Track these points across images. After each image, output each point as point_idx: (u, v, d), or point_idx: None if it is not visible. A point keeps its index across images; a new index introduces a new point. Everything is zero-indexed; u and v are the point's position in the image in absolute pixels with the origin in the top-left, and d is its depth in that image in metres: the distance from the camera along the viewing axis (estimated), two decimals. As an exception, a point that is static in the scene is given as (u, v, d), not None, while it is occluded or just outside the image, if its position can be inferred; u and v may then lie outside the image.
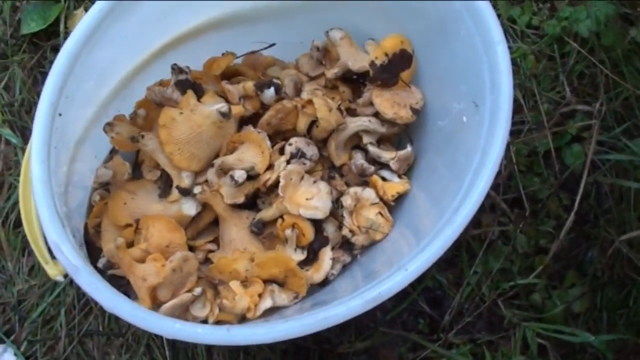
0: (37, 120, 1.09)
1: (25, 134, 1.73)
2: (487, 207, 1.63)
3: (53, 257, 1.06)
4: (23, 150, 1.68)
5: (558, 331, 1.57)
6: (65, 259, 0.99)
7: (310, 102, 1.35)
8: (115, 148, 1.41)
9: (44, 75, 1.78)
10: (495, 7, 1.80)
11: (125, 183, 1.37)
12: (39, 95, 1.65)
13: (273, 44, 1.51)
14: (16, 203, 1.64)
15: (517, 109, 1.72)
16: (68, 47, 1.12)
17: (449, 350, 1.56)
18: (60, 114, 1.11)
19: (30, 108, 1.75)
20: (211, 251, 1.37)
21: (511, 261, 1.63)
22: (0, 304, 1.60)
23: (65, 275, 1.05)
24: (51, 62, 1.72)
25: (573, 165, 1.69)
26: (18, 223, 1.64)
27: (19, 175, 1.62)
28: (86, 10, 1.79)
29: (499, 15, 1.73)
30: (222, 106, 1.29)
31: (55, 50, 1.80)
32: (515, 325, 1.58)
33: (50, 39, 1.82)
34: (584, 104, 1.75)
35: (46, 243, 1.08)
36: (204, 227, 1.40)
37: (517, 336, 1.57)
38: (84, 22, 1.14)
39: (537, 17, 1.87)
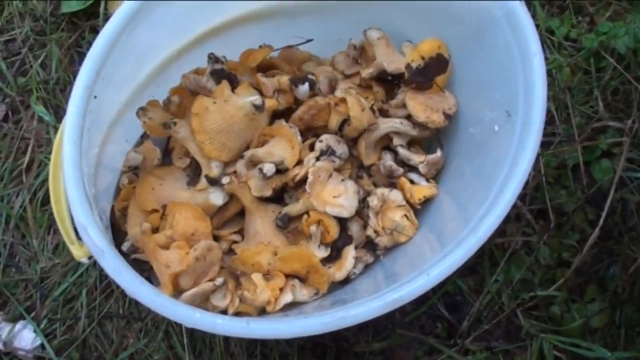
0: (72, 101, 1.09)
1: (58, 113, 1.74)
2: (513, 216, 1.63)
3: (79, 238, 1.06)
4: (55, 129, 1.69)
5: (575, 345, 1.56)
6: (91, 241, 1.00)
7: (343, 100, 1.34)
8: (147, 133, 1.41)
9: (81, 55, 1.80)
10: (534, 17, 1.81)
11: (154, 168, 1.37)
12: (74, 75, 1.69)
13: (310, 40, 1.51)
14: (45, 180, 1.65)
15: (549, 120, 1.71)
16: (108, 29, 1.12)
17: (465, 357, 1.56)
18: (95, 97, 1.11)
19: (65, 87, 1.76)
20: (235, 242, 1.38)
21: (533, 272, 1.62)
22: (23, 280, 1.61)
23: (90, 257, 1.05)
24: (89, 43, 1.75)
25: (601, 180, 1.68)
26: (46, 201, 1.65)
27: (49, 153, 1.65)
28: None
29: (537, 26, 1.74)
30: (256, 99, 1.29)
31: (94, 31, 1.81)
32: (533, 336, 1.58)
33: (89, 19, 1.82)
34: (617, 120, 1.74)
35: (73, 224, 1.08)
36: (230, 218, 1.40)
37: (533, 347, 1.57)
38: (127, 4, 1.14)
39: (576, 30, 1.86)
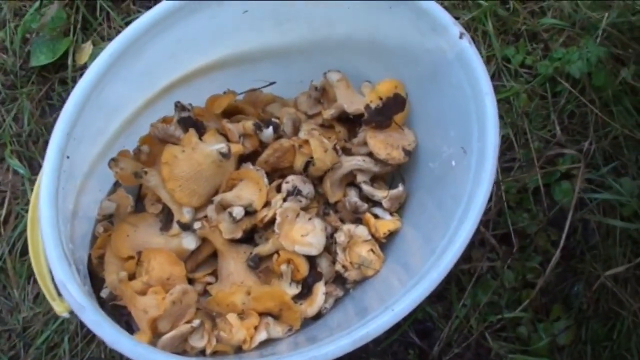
0: (46, 164, 1.12)
1: (32, 165, 1.77)
2: (477, 242, 1.67)
3: (59, 293, 1.10)
4: (30, 181, 1.73)
5: None
6: (71, 298, 1.04)
7: (307, 142, 1.40)
8: (118, 182, 1.45)
9: (52, 107, 1.85)
10: (489, 47, 1.87)
11: (128, 216, 1.41)
12: (46, 127, 1.74)
13: (273, 82, 1.56)
14: (23, 232, 1.68)
15: (508, 146, 1.76)
16: (77, 91, 1.17)
17: None
18: (68, 157, 1.15)
19: (37, 139, 1.79)
20: (209, 283, 1.42)
21: (499, 295, 1.67)
22: (6, 331, 1.63)
23: (71, 312, 1.09)
24: (59, 95, 1.80)
25: (562, 202, 1.73)
26: (24, 251, 1.68)
27: (25, 204, 1.69)
28: (94, 44, 1.85)
29: (493, 55, 1.80)
30: (222, 147, 1.34)
31: (64, 82, 1.85)
32: (502, 357, 1.62)
33: (58, 71, 1.86)
34: (574, 142, 1.80)
35: (52, 280, 1.13)
36: (203, 260, 1.44)
37: None
38: (93, 69, 1.18)
39: (531, 57, 1.92)
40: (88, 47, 1.86)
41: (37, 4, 1.88)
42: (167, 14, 1.25)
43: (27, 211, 1.63)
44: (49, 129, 1.79)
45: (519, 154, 1.76)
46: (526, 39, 1.95)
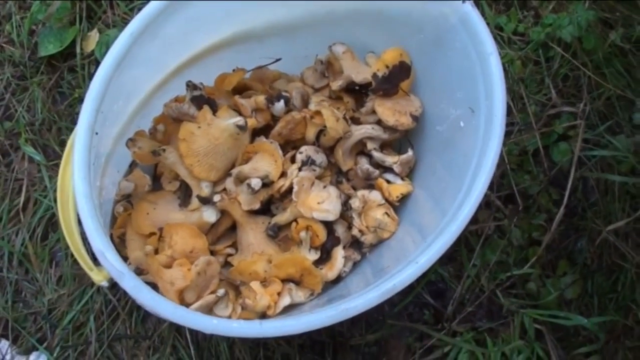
0: (78, 139, 1.16)
1: (47, 152, 1.80)
2: (483, 204, 1.70)
3: (96, 263, 1.14)
4: (46, 167, 1.76)
5: (553, 316, 1.65)
6: (111, 265, 1.07)
7: (318, 112, 1.44)
8: (135, 162, 1.48)
9: (62, 95, 1.88)
10: (483, 16, 1.89)
11: (146, 194, 1.45)
12: (58, 115, 1.77)
13: (279, 59, 1.59)
14: (42, 217, 1.71)
15: (507, 111, 1.81)
16: (102, 71, 1.20)
17: (453, 338, 1.64)
18: (96, 133, 1.19)
19: (50, 127, 1.82)
20: (230, 255, 1.46)
21: (507, 253, 1.71)
22: (31, 314, 1.67)
23: (109, 280, 1.13)
24: (69, 83, 1.82)
25: (561, 162, 1.78)
26: (45, 236, 1.71)
27: (43, 190, 1.72)
28: (100, 32, 1.88)
29: (487, 24, 1.84)
30: (239, 120, 1.38)
31: (72, 70, 1.88)
32: (514, 313, 1.66)
33: (66, 60, 1.89)
34: (569, 105, 1.84)
35: (88, 251, 1.17)
36: (223, 233, 1.48)
37: (515, 323, 1.65)
38: (115, 47, 1.21)
39: (523, 25, 1.96)
40: (94, 35, 1.88)
41: None
42: None
43: (45, 197, 1.70)
44: (62, 116, 1.82)
45: (518, 118, 1.80)
46: (517, 7, 1.99)
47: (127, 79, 1.28)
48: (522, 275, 1.70)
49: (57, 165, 1.77)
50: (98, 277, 1.13)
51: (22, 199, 1.75)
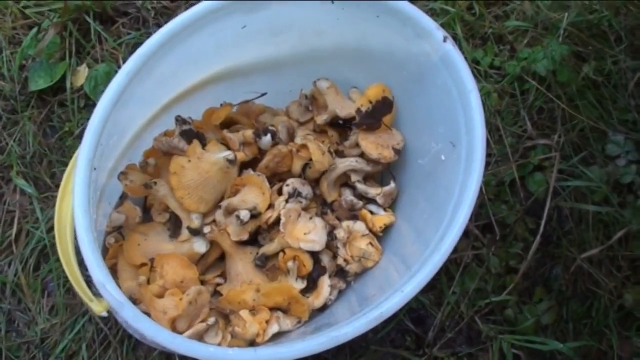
0: (78, 174, 1.19)
1: (38, 184, 1.83)
2: (462, 233, 1.77)
3: (95, 294, 1.17)
4: (37, 199, 1.79)
5: (530, 341, 1.68)
6: (111, 296, 1.11)
7: (304, 146, 1.49)
8: (126, 194, 1.51)
9: (53, 128, 1.91)
10: (460, 49, 1.97)
11: (137, 226, 1.48)
12: (49, 148, 1.79)
13: (264, 93, 1.63)
14: (34, 249, 1.73)
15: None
16: (101, 109, 1.24)
17: None
18: (95, 168, 1.24)
19: (41, 160, 1.84)
20: (219, 284, 1.49)
21: (485, 281, 1.75)
22: (25, 343, 1.68)
23: (109, 311, 1.17)
24: (59, 117, 1.85)
25: (536, 192, 1.83)
26: (37, 267, 1.73)
27: (34, 222, 1.75)
28: (89, 66, 1.92)
29: (464, 58, 1.90)
30: (229, 154, 1.43)
31: (62, 105, 1.91)
32: (492, 338, 1.70)
33: (56, 94, 1.92)
34: (544, 137, 1.90)
35: (86, 282, 1.20)
36: (212, 263, 1.52)
37: (494, 348, 1.69)
38: (112, 86, 1.25)
39: (499, 59, 2.02)
40: (83, 69, 1.92)
41: (34, 30, 1.94)
42: (173, 33, 1.32)
43: (37, 228, 1.72)
44: (52, 149, 1.85)
45: (495, 149, 1.86)
46: (493, 42, 2.06)
47: (122, 116, 1.32)
48: (500, 302, 1.74)
49: (49, 198, 1.81)
50: (98, 308, 1.15)
51: (14, 230, 1.77)
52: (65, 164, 1.81)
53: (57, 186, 1.72)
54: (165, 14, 2.04)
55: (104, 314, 1.16)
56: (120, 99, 1.28)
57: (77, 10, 1.95)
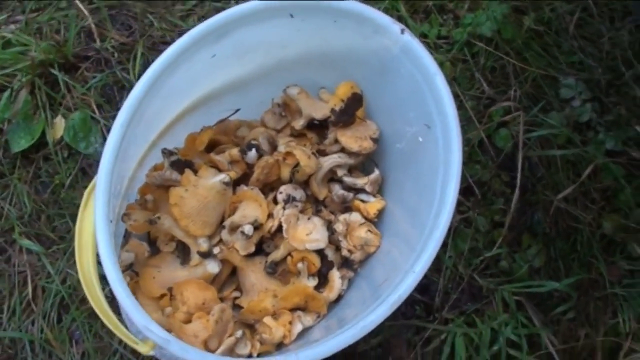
0: (99, 227, 1.23)
1: (41, 240, 1.86)
2: (454, 206, 1.86)
3: (139, 336, 1.23)
4: (45, 255, 1.82)
5: (528, 286, 1.80)
6: (157, 336, 1.17)
7: (289, 153, 1.55)
8: (128, 232, 1.56)
9: (44, 184, 1.93)
10: (408, 27, 2.04)
11: (147, 260, 1.53)
12: (44, 203, 1.84)
13: (238, 110, 1.70)
14: (53, 303, 1.77)
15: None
16: (106, 162, 1.28)
17: (446, 326, 1.76)
18: (111, 221, 1.30)
19: (39, 216, 1.87)
20: (236, 298, 1.56)
21: (476, 240, 1.85)
22: None
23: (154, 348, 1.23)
24: (47, 172, 1.89)
25: (504, 147, 1.93)
26: (59, 319, 1.76)
27: (47, 277, 1.79)
28: (64, 117, 1.95)
29: (412, 33, 1.98)
30: (225, 177, 1.49)
31: (47, 159, 1.94)
32: (493, 291, 1.80)
33: (39, 150, 1.95)
34: (501, 93, 2.01)
35: (124, 326, 1.26)
36: (226, 279, 1.59)
37: (497, 299, 1.79)
38: (110, 142, 1.29)
39: (445, 28, 2.11)
40: (59, 121, 1.95)
41: (6, 94, 1.96)
42: (154, 78, 1.36)
43: (51, 282, 1.76)
44: (48, 204, 1.89)
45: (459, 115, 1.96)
46: (436, 13, 2.14)
47: (122, 164, 1.37)
48: (493, 256, 1.84)
49: (56, 252, 1.84)
50: (145, 349, 1.19)
51: (29, 289, 1.80)
52: (63, 216, 1.87)
53: (61, 238, 1.81)
54: (125, 51, 2.08)
55: (152, 353, 1.22)
56: (122, 145, 1.33)
57: (42, 65, 1.99)
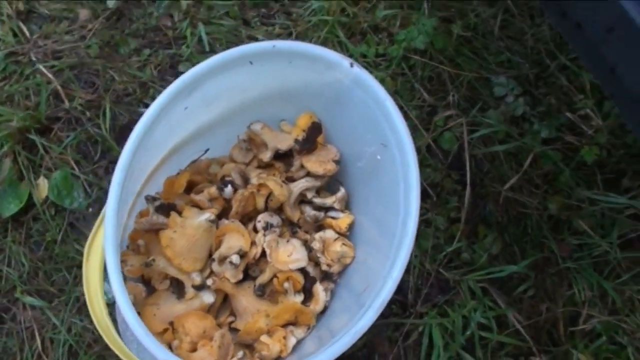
0: (113, 278, 1.36)
1: (42, 296, 1.95)
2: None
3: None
4: (49, 309, 1.91)
5: (489, 273, 1.94)
6: None
7: (262, 185, 1.68)
8: (124, 276, 1.63)
9: (37, 243, 2.03)
10: (346, 51, 2.20)
11: (145, 300, 1.64)
12: (40, 261, 1.95)
13: (207, 150, 1.82)
14: (63, 352, 1.86)
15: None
16: (110, 213, 1.40)
17: (422, 319, 1.90)
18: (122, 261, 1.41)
19: (37, 273, 1.96)
20: (232, 322, 1.68)
21: (437, 237, 2.00)
22: None
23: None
24: (38, 231, 2.00)
25: (450, 148, 2.10)
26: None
27: (54, 329, 1.89)
28: (46, 177, 2.05)
29: (351, 56, 2.13)
30: (210, 216, 1.63)
31: (36, 219, 2.04)
32: (459, 282, 1.95)
33: (27, 212, 2.04)
34: (441, 100, 2.16)
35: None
36: (219, 306, 1.71)
37: (463, 289, 1.93)
38: (111, 200, 1.42)
39: (381, 46, 2.25)
40: (42, 182, 2.05)
41: None
42: (144, 132, 1.49)
43: (59, 333, 1.86)
44: (44, 261, 1.98)
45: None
46: (371, 33, 2.28)
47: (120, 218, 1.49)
48: (455, 249, 1.99)
49: (58, 304, 1.93)
50: None
51: (38, 342, 1.89)
52: (60, 270, 1.96)
53: (60, 291, 1.91)
54: (93, 107, 2.18)
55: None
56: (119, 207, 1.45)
57: (19, 132, 2.08)
